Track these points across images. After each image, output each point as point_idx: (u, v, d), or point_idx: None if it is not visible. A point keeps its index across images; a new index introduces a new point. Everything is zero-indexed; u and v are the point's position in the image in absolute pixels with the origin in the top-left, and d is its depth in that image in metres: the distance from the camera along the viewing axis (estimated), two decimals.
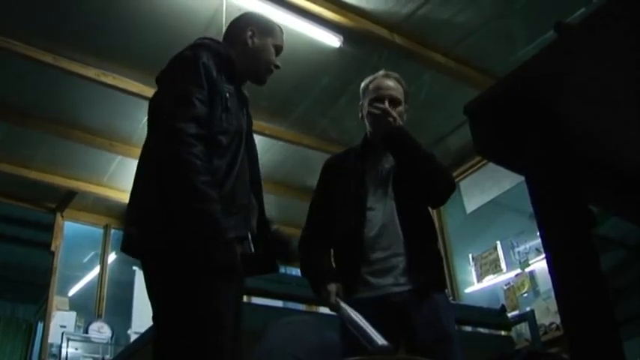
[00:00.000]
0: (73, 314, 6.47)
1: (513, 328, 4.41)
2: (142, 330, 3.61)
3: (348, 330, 1.98)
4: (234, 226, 1.69)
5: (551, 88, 0.77)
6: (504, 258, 5.68)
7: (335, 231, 2.25)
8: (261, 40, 2.01)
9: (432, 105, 5.31)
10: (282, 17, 4.13)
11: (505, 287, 5.59)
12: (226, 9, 4.04)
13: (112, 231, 6.91)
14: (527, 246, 5.40)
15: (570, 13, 3.83)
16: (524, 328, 4.65)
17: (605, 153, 0.90)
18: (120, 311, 6.69)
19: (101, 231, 6.97)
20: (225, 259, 1.62)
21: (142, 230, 1.70)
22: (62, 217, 6.62)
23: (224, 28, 2.16)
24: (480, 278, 5.86)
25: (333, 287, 2.10)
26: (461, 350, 2.09)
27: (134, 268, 6.28)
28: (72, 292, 7.72)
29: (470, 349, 2.73)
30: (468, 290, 5.97)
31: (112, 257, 6.84)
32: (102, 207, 6.72)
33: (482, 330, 4.28)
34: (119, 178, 6.16)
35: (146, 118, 1.89)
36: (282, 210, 6.09)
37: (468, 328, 4.12)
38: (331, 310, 2.10)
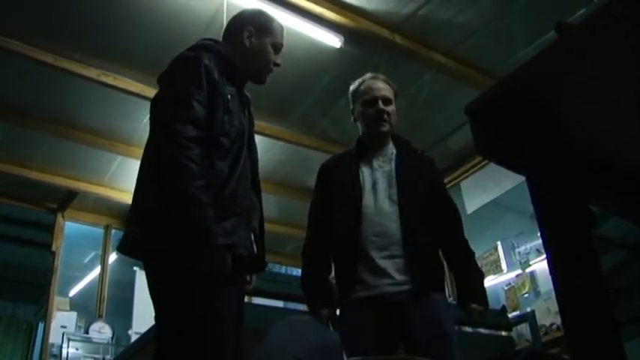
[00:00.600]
0: (74, 314, 6.48)
1: (514, 329, 4.41)
2: (143, 330, 3.61)
3: (348, 331, 1.99)
4: (227, 232, 1.67)
5: (551, 88, 0.77)
6: (505, 258, 5.68)
7: (334, 231, 2.25)
8: (259, 39, 1.99)
9: (432, 105, 5.32)
10: (282, 17, 4.11)
11: (506, 288, 5.60)
12: (227, 9, 4.04)
13: (113, 231, 6.90)
14: (528, 246, 5.40)
15: (571, 14, 3.83)
16: (524, 328, 4.65)
17: (605, 153, 0.90)
18: (120, 311, 6.70)
19: (102, 231, 6.96)
20: (213, 266, 1.60)
21: (143, 231, 1.70)
22: (63, 217, 6.62)
23: None
24: None
25: (325, 312, 2.16)
26: (459, 351, 2.10)
27: (135, 268, 6.30)
28: (73, 292, 7.73)
29: (470, 349, 2.73)
30: None
31: (112, 257, 6.84)
32: (103, 207, 6.72)
33: (482, 330, 4.28)
34: (120, 179, 6.16)
35: (147, 118, 1.89)
36: (282, 210, 6.09)
37: (469, 329, 4.12)
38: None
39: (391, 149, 2.35)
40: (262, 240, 1.93)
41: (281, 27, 2.07)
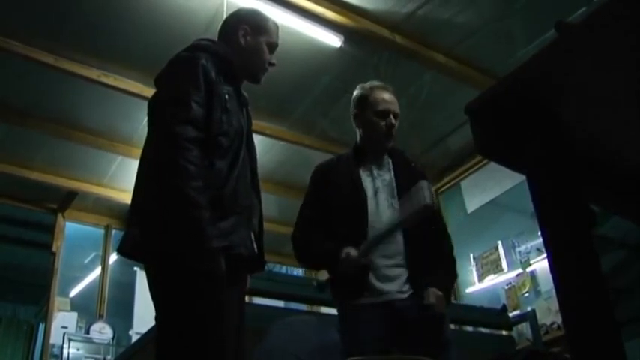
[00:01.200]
0: (75, 315, 6.48)
1: (514, 328, 4.41)
2: (144, 330, 3.61)
3: (348, 330, 1.99)
4: (224, 233, 1.67)
5: (551, 88, 0.77)
6: (505, 258, 5.68)
7: (334, 234, 2.25)
8: (254, 39, 1.99)
9: (432, 105, 5.32)
10: (282, 17, 4.13)
11: (506, 287, 5.59)
12: (227, 9, 4.04)
13: (113, 231, 6.90)
14: (528, 246, 5.40)
15: (571, 13, 3.82)
16: (525, 327, 4.65)
17: (605, 153, 0.90)
18: (121, 312, 6.70)
19: (102, 232, 6.96)
20: (206, 268, 1.60)
21: (143, 231, 1.70)
22: (63, 217, 6.62)
23: None
24: (481, 278, 5.86)
25: (349, 249, 2.11)
26: (457, 354, 2.14)
27: (135, 268, 6.29)
28: (73, 292, 7.72)
29: (471, 348, 2.74)
30: (469, 290, 5.97)
31: (113, 258, 6.84)
32: (103, 207, 6.72)
33: (483, 330, 4.28)
34: (120, 179, 6.16)
35: (147, 118, 1.89)
36: (282, 210, 6.08)
37: (469, 328, 4.12)
38: (364, 263, 2.11)
39: (387, 158, 2.37)
40: (261, 239, 1.93)
41: (276, 26, 2.07)
